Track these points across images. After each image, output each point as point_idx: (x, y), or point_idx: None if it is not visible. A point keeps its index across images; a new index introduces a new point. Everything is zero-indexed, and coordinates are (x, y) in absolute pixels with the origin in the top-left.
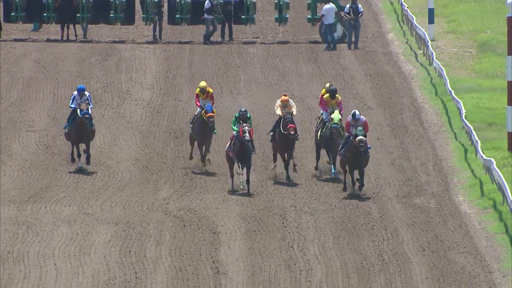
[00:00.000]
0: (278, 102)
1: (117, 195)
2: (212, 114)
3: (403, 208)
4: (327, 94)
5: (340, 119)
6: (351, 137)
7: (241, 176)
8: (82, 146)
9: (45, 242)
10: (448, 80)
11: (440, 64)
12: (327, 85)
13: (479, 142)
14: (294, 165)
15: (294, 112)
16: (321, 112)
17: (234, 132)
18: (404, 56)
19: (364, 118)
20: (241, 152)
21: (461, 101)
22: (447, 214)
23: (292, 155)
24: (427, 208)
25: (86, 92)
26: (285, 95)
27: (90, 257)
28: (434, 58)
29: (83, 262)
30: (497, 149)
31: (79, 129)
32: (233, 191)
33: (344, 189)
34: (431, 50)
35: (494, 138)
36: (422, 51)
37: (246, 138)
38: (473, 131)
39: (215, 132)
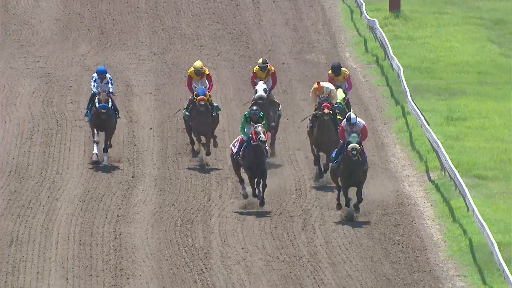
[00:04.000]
0: (311, 92)
1: (40, 51)
2: (203, 97)
3: (297, 64)
4: (330, 71)
5: (344, 98)
6: (345, 145)
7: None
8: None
9: None
10: None
11: None
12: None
13: (363, 4)
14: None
15: (335, 100)
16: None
17: (244, 137)
18: None
19: (362, 122)
20: (255, 161)
21: None
22: None
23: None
24: (317, 63)
25: (107, 75)
26: (318, 83)
27: (16, 107)
28: None
29: (10, 112)
30: (380, 10)
31: (99, 120)
32: (245, 207)
33: (338, 206)
34: None
35: (377, 0)
36: None
37: (261, 139)
38: None
39: (219, 109)
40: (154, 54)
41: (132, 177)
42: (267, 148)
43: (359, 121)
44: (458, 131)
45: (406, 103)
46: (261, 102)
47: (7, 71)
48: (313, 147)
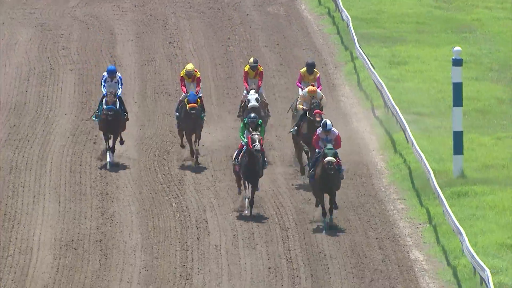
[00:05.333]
0: (303, 94)
1: (36, 4)
2: (194, 105)
3: (259, 15)
4: (304, 69)
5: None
6: (320, 152)
7: (246, 199)
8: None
9: None
10: None
11: None
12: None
13: None
14: None
15: (324, 98)
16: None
17: (243, 142)
18: None
19: (336, 131)
20: (249, 167)
21: None
22: (292, 19)
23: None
24: (277, 14)
25: (117, 74)
26: (312, 85)
27: (15, 53)
28: None
29: (9, 56)
30: None
31: (108, 121)
32: (241, 209)
33: (317, 205)
34: None
35: None
36: None
37: (256, 148)
38: None
39: (203, 118)
40: (135, 6)
41: None
42: (265, 157)
43: (334, 129)
44: (399, 73)
45: (354, 49)
46: (254, 108)
47: (7, 20)
48: (300, 144)
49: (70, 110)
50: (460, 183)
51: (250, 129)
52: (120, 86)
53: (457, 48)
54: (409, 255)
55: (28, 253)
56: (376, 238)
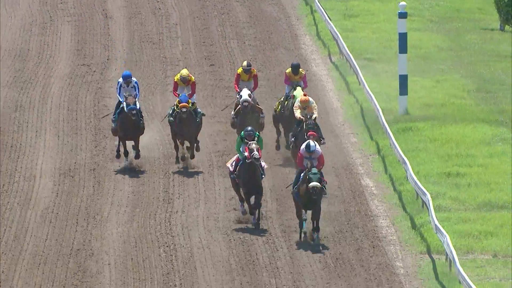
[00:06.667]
0: (297, 103)
1: None
2: (185, 104)
3: None
4: (289, 70)
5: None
6: (304, 171)
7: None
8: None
9: None
10: None
11: None
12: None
13: None
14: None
15: (315, 115)
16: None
17: (240, 156)
18: None
19: (320, 150)
20: (249, 179)
21: None
22: None
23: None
24: None
25: (133, 79)
26: (305, 94)
27: (19, 6)
28: None
29: (14, 9)
30: None
31: (126, 125)
32: (245, 219)
33: (300, 223)
34: None
35: None
36: None
37: (255, 156)
38: None
39: (203, 114)
40: None
41: (107, 59)
42: (263, 166)
43: (317, 149)
44: (353, 25)
45: (313, 3)
46: (246, 105)
47: None
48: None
49: (67, 56)
50: (404, 120)
51: (247, 141)
52: (137, 91)
53: (403, 2)
54: (360, 182)
55: (31, 180)
56: (333, 167)
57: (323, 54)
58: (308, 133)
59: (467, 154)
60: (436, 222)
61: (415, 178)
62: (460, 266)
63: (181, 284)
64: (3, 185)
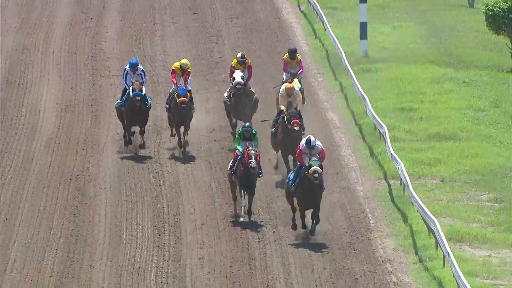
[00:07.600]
0: (282, 91)
1: None
2: (184, 99)
3: None
4: (287, 55)
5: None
6: (303, 167)
7: (243, 207)
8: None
9: None
10: None
11: None
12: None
13: None
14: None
15: (299, 108)
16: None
17: (238, 152)
18: None
19: (320, 145)
20: (245, 177)
21: None
22: None
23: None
24: None
25: (139, 66)
26: (290, 82)
27: None
28: None
29: None
30: None
31: (131, 111)
32: (237, 216)
33: (294, 226)
34: None
35: None
36: None
37: (252, 165)
38: None
39: (193, 109)
40: None
41: (103, 8)
42: (260, 174)
43: (318, 144)
44: None
45: None
46: (239, 87)
47: None
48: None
49: (69, 5)
50: (364, 61)
51: (244, 137)
52: (144, 79)
53: None
54: (326, 116)
55: (36, 114)
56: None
57: (292, 3)
58: (292, 121)
59: (419, 91)
60: (392, 151)
61: (374, 113)
62: (413, 189)
63: (168, 205)
64: (11, 118)
